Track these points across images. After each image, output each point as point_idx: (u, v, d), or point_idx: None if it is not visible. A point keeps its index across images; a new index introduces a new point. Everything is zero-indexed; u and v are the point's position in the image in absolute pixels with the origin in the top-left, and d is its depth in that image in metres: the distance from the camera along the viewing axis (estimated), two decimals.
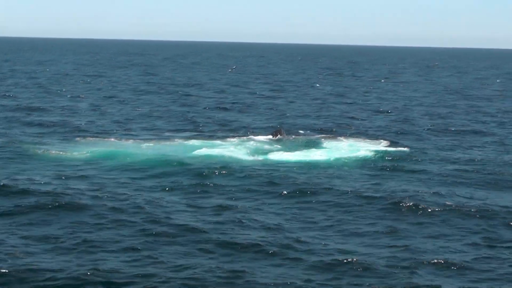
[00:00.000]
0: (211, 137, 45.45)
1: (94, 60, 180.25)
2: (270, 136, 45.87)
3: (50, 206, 26.13)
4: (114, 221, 24.77)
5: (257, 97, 77.53)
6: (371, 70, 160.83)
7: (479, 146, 44.74)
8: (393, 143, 44.10)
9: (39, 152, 38.34)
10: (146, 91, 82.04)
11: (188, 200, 28.31)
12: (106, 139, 44.14)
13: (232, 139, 44.64)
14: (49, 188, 29.21)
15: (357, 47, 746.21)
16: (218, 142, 43.53)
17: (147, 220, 24.83)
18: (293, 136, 46.32)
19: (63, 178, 31.80)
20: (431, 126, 54.33)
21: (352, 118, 59.31)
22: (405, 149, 41.86)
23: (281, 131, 46.90)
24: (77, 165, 34.92)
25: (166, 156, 37.14)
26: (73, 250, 21.58)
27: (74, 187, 29.69)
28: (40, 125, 50.35)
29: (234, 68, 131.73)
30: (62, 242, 22.29)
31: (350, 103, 72.46)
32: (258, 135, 46.72)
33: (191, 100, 72.02)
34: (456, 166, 36.89)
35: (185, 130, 49.64)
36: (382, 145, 43.25)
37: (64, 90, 79.94)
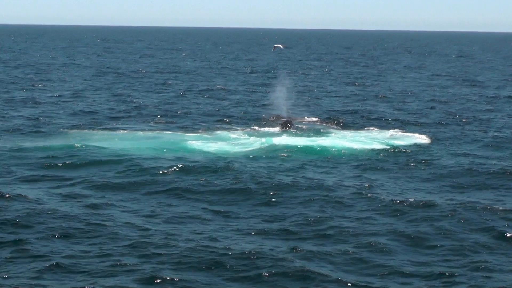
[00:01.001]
0: (211, 129, 44.28)
1: (72, 48, 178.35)
2: (278, 128, 44.50)
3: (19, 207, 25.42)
4: (65, 219, 24.15)
5: (247, 85, 76.96)
6: (366, 56, 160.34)
7: (488, 136, 44.09)
8: (403, 133, 43.66)
9: (23, 145, 37.43)
10: (123, 79, 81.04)
11: (164, 206, 26.69)
12: (95, 130, 43.24)
13: (235, 131, 43.38)
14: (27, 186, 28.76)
15: (356, 31, 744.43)
16: (219, 133, 42.33)
17: (105, 223, 23.84)
18: (302, 127, 45.22)
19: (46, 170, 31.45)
20: (437, 114, 53.99)
21: (355, 106, 58.79)
22: (416, 140, 41.39)
23: (291, 122, 45.48)
24: (64, 159, 33.92)
25: (156, 151, 36.40)
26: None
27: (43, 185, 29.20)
28: (19, 117, 49.26)
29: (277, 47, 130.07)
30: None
31: (349, 91, 71.98)
32: (264, 126, 45.48)
33: (177, 88, 71.13)
34: (465, 160, 36.10)
35: (178, 122, 48.60)
36: (391, 137, 42.53)
37: (41, 79, 78.72)
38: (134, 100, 60.08)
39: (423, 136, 42.69)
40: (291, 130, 43.93)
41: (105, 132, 42.62)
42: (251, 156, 35.65)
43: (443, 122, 49.73)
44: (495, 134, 44.36)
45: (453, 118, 52.14)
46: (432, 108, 58.15)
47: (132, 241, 21.96)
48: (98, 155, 34.58)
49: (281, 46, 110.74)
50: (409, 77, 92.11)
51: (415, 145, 39.84)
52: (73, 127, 44.55)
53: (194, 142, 39.10)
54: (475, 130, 46.56)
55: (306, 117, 49.87)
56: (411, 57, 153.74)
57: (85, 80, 79.36)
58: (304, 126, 45.65)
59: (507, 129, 46.84)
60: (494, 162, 35.33)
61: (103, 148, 36.50)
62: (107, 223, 23.75)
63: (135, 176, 30.68)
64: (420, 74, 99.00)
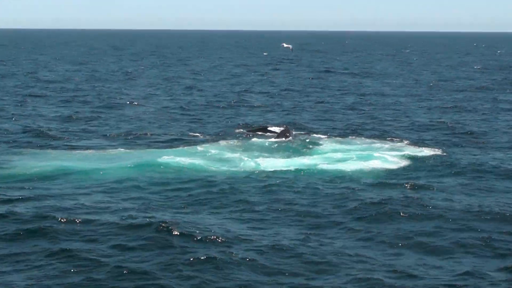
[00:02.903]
0: (198, 141, 42.09)
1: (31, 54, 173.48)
2: (275, 139, 42.81)
3: None
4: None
5: (235, 91, 74.63)
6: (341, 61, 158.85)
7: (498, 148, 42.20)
8: (412, 145, 41.55)
9: None
10: (80, 87, 77.22)
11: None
12: (48, 149, 39.67)
13: (226, 141, 41.35)
14: None
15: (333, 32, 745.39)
16: (206, 146, 39.89)
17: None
18: (304, 138, 43.52)
19: None
20: (440, 124, 51.80)
21: (353, 114, 57.37)
22: (427, 152, 39.14)
23: (289, 131, 44.28)
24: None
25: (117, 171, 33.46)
26: None
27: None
28: None
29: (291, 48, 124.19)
30: None
31: (341, 99, 69.71)
32: (258, 137, 43.43)
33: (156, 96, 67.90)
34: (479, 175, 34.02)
35: (144, 136, 45.08)
36: (400, 149, 40.16)
37: None
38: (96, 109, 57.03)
39: (429, 150, 40.18)
40: (289, 140, 42.33)
41: (70, 151, 39.29)
42: (238, 180, 32.22)
43: (446, 132, 47.92)
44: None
45: (451, 126, 50.41)
46: (432, 117, 56.23)
47: None
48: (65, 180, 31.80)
49: (290, 47, 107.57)
50: (393, 82, 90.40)
51: (424, 158, 37.51)
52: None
53: (167, 158, 35.69)
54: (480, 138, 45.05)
55: (305, 126, 48.49)
56: (385, 62, 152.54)
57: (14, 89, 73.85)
58: (305, 138, 43.57)
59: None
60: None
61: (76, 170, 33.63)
62: None
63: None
64: (402, 79, 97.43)
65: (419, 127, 49.86)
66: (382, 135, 45.48)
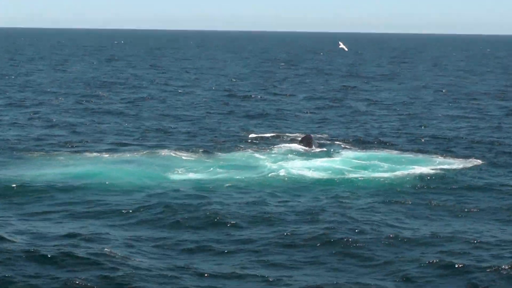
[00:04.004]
0: (208, 148, 41.21)
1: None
2: (296, 145, 42.30)
3: None
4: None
5: (242, 96, 73.31)
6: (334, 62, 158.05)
7: None
8: (440, 156, 40.20)
9: None
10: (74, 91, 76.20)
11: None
12: (58, 152, 39.17)
13: (242, 149, 40.88)
14: None
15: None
16: (219, 154, 39.44)
17: None
18: (326, 145, 42.80)
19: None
20: (468, 134, 50.39)
21: (373, 121, 56.27)
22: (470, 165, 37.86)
23: (311, 138, 43.35)
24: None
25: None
26: None
27: None
28: None
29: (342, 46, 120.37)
30: None
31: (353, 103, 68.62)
32: (279, 144, 42.94)
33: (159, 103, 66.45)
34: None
35: (156, 140, 44.50)
36: (428, 160, 38.97)
37: None
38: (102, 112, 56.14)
39: (459, 162, 38.70)
40: (311, 148, 41.54)
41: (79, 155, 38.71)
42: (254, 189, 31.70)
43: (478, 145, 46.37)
44: None
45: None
46: (462, 126, 54.90)
47: None
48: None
49: (344, 46, 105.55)
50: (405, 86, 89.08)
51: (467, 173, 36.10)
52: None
53: (180, 172, 34.84)
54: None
55: (327, 135, 47.52)
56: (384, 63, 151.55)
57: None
58: (326, 145, 42.85)
59: None
60: None
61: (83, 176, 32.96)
62: None
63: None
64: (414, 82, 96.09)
65: (446, 137, 48.34)
66: (407, 145, 44.44)
